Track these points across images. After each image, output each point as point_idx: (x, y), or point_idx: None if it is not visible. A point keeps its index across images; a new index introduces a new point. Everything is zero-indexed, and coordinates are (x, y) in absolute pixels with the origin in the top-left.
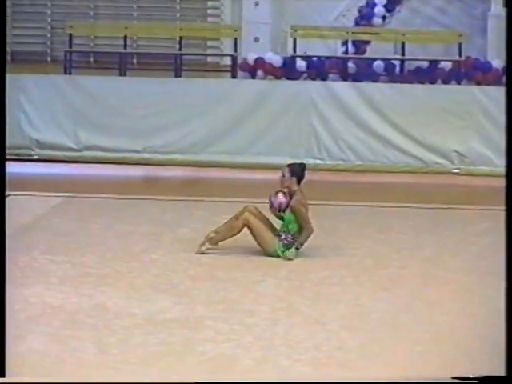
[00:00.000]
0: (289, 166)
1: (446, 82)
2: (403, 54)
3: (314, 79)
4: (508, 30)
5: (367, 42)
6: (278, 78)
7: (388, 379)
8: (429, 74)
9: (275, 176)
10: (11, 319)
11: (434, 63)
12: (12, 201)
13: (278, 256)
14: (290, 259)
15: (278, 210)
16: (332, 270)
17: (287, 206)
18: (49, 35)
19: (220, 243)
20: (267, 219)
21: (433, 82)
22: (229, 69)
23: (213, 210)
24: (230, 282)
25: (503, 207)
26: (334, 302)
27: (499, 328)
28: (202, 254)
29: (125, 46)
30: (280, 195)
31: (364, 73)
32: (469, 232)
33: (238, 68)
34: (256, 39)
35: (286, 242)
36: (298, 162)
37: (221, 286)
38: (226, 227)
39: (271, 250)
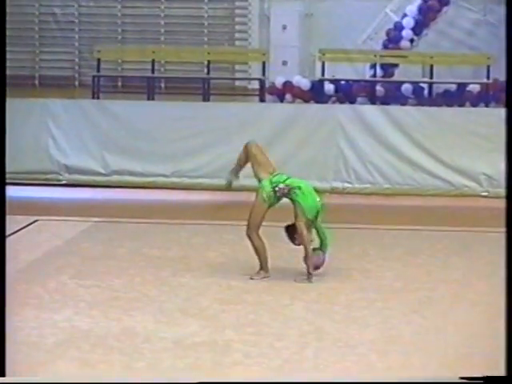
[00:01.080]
0: None
1: (474, 104)
2: (431, 77)
3: (342, 102)
4: (508, 33)
5: (395, 65)
6: (306, 101)
7: (389, 379)
8: (457, 96)
9: None
10: (41, 344)
11: (462, 86)
12: (41, 225)
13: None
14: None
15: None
16: (361, 293)
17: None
18: (76, 60)
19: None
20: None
21: (461, 105)
22: (257, 93)
23: (241, 234)
24: (259, 306)
25: None
26: (364, 325)
27: None
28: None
29: (152, 70)
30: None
31: (392, 96)
32: (498, 255)
33: (266, 92)
34: (284, 63)
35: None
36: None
37: (249, 309)
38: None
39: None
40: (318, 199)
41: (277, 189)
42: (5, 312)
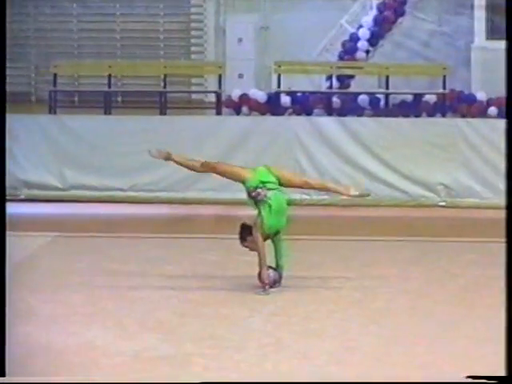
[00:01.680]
0: None
1: (430, 114)
2: (387, 88)
3: (298, 114)
4: (508, 34)
5: (351, 77)
6: (262, 113)
7: (390, 379)
8: (413, 107)
9: None
10: None
11: (418, 96)
12: None
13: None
14: None
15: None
16: (319, 304)
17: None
18: (33, 75)
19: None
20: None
21: (418, 115)
22: (213, 105)
23: (199, 247)
24: (218, 319)
25: (489, 239)
26: (322, 336)
27: (486, 359)
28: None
29: (109, 84)
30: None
31: (349, 107)
32: (455, 264)
33: (222, 105)
34: (240, 75)
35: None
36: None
37: (208, 322)
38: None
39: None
40: (282, 221)
41: (258, 190)
42: (5, 312)
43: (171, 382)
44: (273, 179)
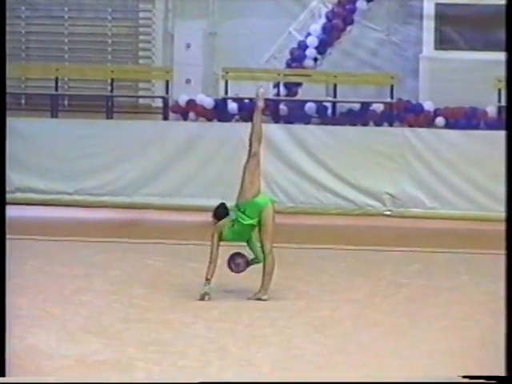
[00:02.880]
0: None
1: (378, 124)
2: (335, 96)
3: (245, 121)
4: (508, 35)
5: (299, 84)
6: (209, 120)
7: (389, 379)
8: (361, 116)
9: (207, 218)
10: None
11: (365, 105)
12: None
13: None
14: None
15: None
16: (264, 311)
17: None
18: None
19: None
20: None
21: (365, 124)
22: (160, 111)
23: (145, 252)
24: (162, 324)
25: (434, 249)
26: (266, 344)
27: (431, 369)
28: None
29: (56, 87)
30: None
31: (296, 115)
32: (400, 274)
33: (169, 110)
34: (188, 81)
35: None
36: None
37: (152, 327)
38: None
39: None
40: (239, 238)
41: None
42: (5, 312)
43: (170, 382)
44: (251, 214)
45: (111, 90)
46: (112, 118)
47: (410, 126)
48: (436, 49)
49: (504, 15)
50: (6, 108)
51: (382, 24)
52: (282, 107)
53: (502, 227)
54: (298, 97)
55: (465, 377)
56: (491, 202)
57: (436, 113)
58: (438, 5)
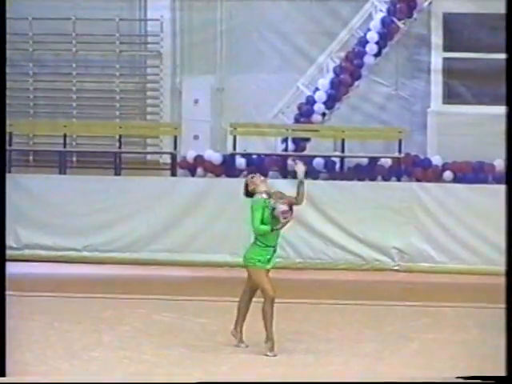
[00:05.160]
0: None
1: (385, 178)
2: (343, 151)
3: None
4: (508, 36)
5: (307, 139)
6: (217, 175)
7: (389, 379)
8: (369, 170)
9: (215, 273)
10: None
11: (373, 160)
12: None
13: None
14: None
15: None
16: (273, 367)
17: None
18: None
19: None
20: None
21: (373, 179)
22: (168, 167)
23: (153, 308)
24: (171, 380)
25: (443, 303)
26: None
27: None
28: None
29: (64, 144)
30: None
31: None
32: (409, 328)
33: (177, 166)
34: (195, 137)
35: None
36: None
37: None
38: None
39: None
40: None
41: None
42: (5, 312)
43: (172, 382)
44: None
45: (119, 146)
46: (120, 174)
47: (418, 180)
48: (444, 103)
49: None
50: (5, 110)
51: (389, 78)
52: (290, 162)
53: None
54: (306, 152)
55: (465, 377)
56: (499, 255)
57: (444, 167)
58: (445, 59)
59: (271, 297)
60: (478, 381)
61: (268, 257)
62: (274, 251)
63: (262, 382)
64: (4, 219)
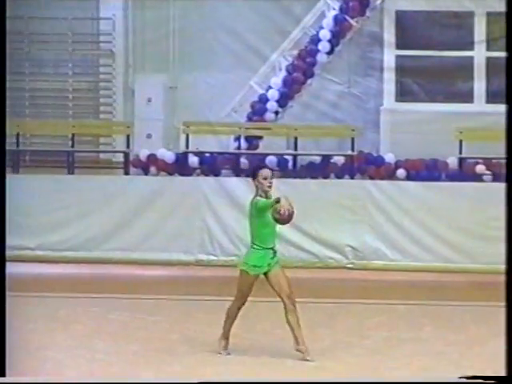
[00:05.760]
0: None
1: (338, 176)
2: (296, 149)
3: (206, 175)
4: (508, 36)
5: (260, 138)
6: (170, 174)
7: (389, 379)
8: (321, 168)
9: (168, 272)
10: None
11: (326, 158)
12: None
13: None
14: None
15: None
16: (227, 366)
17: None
18: None
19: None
20: None
21: (326, 177)
22: (121, 165)
23: (107, 307)
24: (125, 379)
25: (397, 301)
26: None
27: None
28: None
29: (17, 143)
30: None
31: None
32: (363, 326)
33: (130, 164)
34: (148, 135)
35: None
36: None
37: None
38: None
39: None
40: None
41: None
42: (5, 312)
43: (172, 382)
44: None
45: (72, 145)
46: (73, 173)
47: (371, 178)
48: (397, 101)
49: (463, 67)
50: (5, 111)
51: (342, 76)
52: (243, 161)
53: (464, 278)
54: (259, 150)
55: (465, 377)
56: (453, 253)
57: (397, 165)
58: (398, 57)
59: (240, 302)
60: (479, 381)
61: (268, 261)
62: (274, 254)
63: (263, 382)
64: (4, 219)
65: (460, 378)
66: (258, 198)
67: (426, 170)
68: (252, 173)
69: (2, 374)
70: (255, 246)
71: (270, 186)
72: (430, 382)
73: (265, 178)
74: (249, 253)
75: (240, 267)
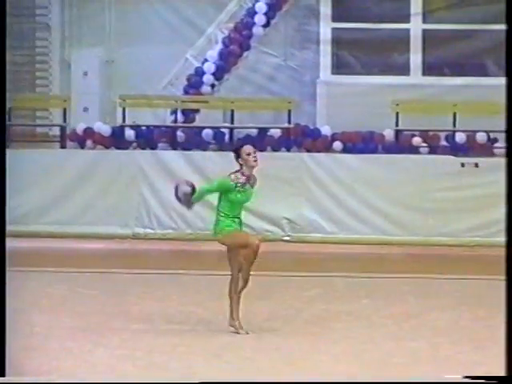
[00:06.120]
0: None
1: (275, 149)
2: (232, 122)
3: (143, 148)
4: (508, 36)
5: (196, 111)
6: (107, 147)
7: (389, 379)
8: (258, 141)
9: (106, 245)
10: None
11: (263, 131)
12: None
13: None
14: None
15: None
16: (164, 338)
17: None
18: None
19: None
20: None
21: (262, 150)
22: (58, 139)
23: (45, 281)
24: (63, 352)
25: (333, 273)
26: (166, 370)
27: None
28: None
29: None
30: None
31: (193, 141)
32: (300, 299)
33: (67, 138)
34: (85, 109)
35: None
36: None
37: (53, 355)
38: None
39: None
40: None
41: None
42: (5, 312)
43: (171, 382)
44: None
45: (8, 119)
46: (9, 147)
47: (308, 150)
48: (333, 73)
49: (400, 39)
50: (5, 112)
51: (278, 49)
52: (180, 134)
53: (400, 251)
54: (196, 123)
55: (465, 377)
56: (390, 225)
57: (333, 137)
58: (334, 29)
59: (257, 245)
60: (480, 381)
61: (236, 227)
62: (240, 222)
63: (264, 382)
64: (4, 214)
65: (464, 377)
66: (238, 175)
67: (362, 143)
68: (235, 152)
69: (1, 374)
70: (222, 215)
71: (255, 161)
72: (430, 382)
73: (248, 154)
74: (219, 222)
75: (221, 233)
